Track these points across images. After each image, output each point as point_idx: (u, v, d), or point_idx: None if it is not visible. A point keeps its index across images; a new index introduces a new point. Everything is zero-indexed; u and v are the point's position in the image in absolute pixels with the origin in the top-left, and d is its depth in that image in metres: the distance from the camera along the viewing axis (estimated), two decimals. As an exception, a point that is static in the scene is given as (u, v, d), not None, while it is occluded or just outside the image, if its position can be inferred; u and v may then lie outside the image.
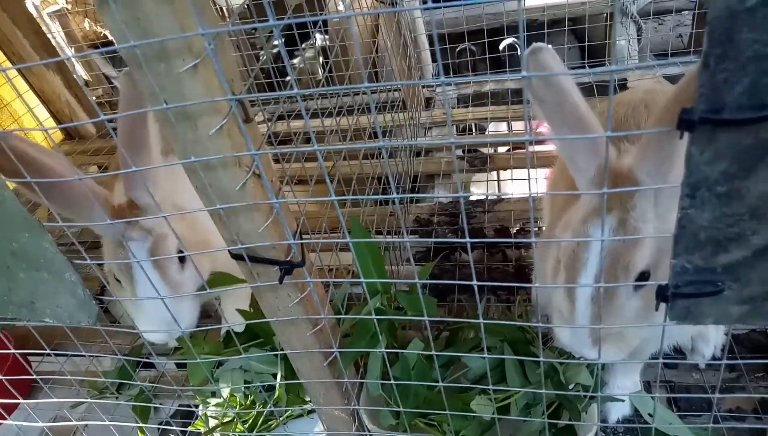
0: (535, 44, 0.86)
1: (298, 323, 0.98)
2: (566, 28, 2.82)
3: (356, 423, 1.20)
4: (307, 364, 1.06)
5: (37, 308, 0.97)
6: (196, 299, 1.34)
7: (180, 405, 1.64)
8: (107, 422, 1.25)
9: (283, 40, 0.99)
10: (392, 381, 1.02)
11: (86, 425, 1.52)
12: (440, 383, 0.98)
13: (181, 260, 1.30)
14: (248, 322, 1.25)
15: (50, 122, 3.01)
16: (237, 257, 0.88)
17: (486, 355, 0.91)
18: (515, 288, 1.68)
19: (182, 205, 1.36)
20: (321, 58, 3.90)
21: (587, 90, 2.39)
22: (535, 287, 1.47)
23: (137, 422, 1.50)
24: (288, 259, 0.87)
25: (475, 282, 0.80)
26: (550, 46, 0.87)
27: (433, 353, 0.92)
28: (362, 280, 0.85)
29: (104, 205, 1.24)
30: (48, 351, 1.12)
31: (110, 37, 3.26)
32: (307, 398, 1.25)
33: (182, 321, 1.21)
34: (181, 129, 0.72)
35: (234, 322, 1.56)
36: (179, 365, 1.78)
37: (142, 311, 1.18)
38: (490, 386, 0.96)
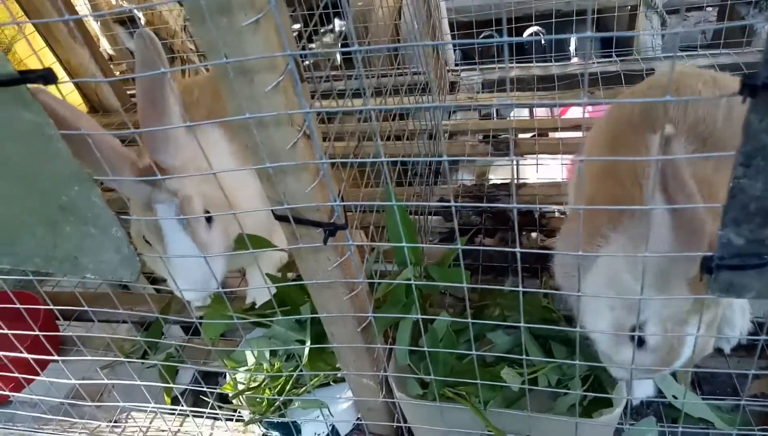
0: (666, 133, 0.72)
1: (335, 286, 0.99)
2: (592, 16, 2.80)
3: (383, 392, 1.22)
4: (341, 329, 1.08)
5: (80, 262, 0.99)
6: (224, 258, 1.36)
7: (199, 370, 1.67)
8: (138, 382, 1.27)
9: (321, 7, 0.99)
10: (425, 348, 1.03)
11: (113, 386, 1.56)
12: (473, 352, 0.99)
13: (208, 220, 1.31)
14: (279, 285, 1.26)
15: (75, 95, 3.05)
16: (280, 218, 0.89)
17: (522, 324, 0.92)
18: (539, 271, 1.68)
19: (206, 167, 1.36)
20: (340, 44, 3.91)
21: (615, 79, 2.38)
22: (557, 273, 1.46)
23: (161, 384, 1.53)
24: (332, 221, 0.88)
25: (518, 249, 0.81)
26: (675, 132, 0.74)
27: (469, 320, 0.93)
28: (403, 244, 0.86)
29: (131, 166, 1.25)
30: (84, 307, 1.14)
31: (135, 13, 3.28)
32: (336, 364, 1.27)
33: (213, 279, 1.23)
34: (238, 85, 0.74)
35: (260, 292, 1.59)
36: (193, 333, 1.81)
37: (175, 271, 1.20)
38: (524, 357, 0.97)
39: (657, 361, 0.95)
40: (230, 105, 0.77)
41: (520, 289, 0.86)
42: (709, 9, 4.75)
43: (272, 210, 0.89)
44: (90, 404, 1.39)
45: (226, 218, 1.34)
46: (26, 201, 0.92)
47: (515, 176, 2.12)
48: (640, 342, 0.95)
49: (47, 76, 0.74)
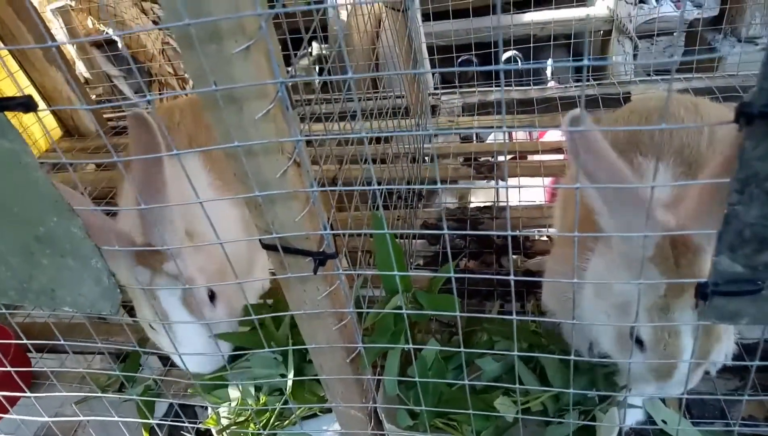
0: (572, 113, 0.75)
1: (324, 317, 0.97)
2: (567, 42, 2.86)
3: (372, 423, 1.19)
4: (329, 361, 1.05)
5: (57, 295, 0.95)
6: (232, 327, 1.35)
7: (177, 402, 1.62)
8: (115, 418, 1.22)
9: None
10: (416, 378, 1.01)
11: (88, 421, 1.49)
12: (465, 381, 0.97)
13: (211, 298, 1.31)
14: (260, 317, 1.23)
15: (50, 118, 2.98)
16: (268, 247, 0.87)
17: (516, 352, 0.90)
18: (524, 295, 1.68)
19: (198, 233, 1.33)
20: (317, 67, 3.92)
21: (592, 102, 2.42)
22: (547, 295, 1.46)
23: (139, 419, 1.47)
24: (321, 250, 0.86)
25: (512, 277, 0.80)
26: (585, 114, 0.75)
27: (461, 349, 0.91)
28: (395, 272, 0.84)
29: (128, 254, 1.18)
30: (59, 341, 1.09)
31: (112, 36, 3.25)
32: (321, 394, 1.24)
33: (224, 351, 1.22)
34: (227, 113, 0.72)
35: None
36: (172, 363, 1.75)
37: (182, 346, 1.17)
38: (517, 385, 0.95)
39: (661, 364, 0.94)
40: (219, 133, 0.75)
41: (514, 317, 0.84)
42: (677, 34, 4.91)
43: (260, 239, 0.87)
44: (63, 441, 1.33)
45: (228, 292, 1.34)
46: (1, 231, 0.88)
47: (497, 199, 2.13)
48: (640, 343, 0.95)
49: (27, 104, 0.71)
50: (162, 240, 1.15)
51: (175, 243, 1.20)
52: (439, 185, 0.71)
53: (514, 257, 1.91)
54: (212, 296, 1.32)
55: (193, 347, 1.20)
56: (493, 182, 2.20)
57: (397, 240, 1.85)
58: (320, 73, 3.81)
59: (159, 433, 1.36)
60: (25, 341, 1.10)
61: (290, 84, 0.74)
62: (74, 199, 0.96)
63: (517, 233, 0.81)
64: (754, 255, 0.70)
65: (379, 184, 1.77)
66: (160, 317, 1.20)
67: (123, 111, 3.28)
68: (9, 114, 0.76)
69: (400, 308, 1.13)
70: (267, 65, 0.69)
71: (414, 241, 1.98)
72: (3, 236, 0.89)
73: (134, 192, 1.13)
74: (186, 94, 3.11)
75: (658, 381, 0.95)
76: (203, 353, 1.21)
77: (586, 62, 0.58)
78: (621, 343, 1.00)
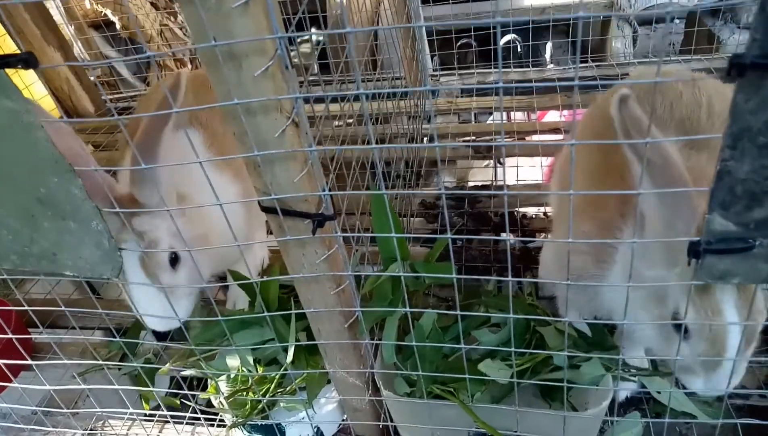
0: (622, 93, 0.78)
1: (322, 281, 0.98)
2: (566, 24, 2.86)
3: (369, 391, 1.21)
4: (327, 326, 1.06)
5: (58, 259, 0.96)
6: (190, 296, 1.33)
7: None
8: (116, 386, 1.24)
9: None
10: (413, 342, 1.02)
11: (89, 392, 1.51)
12: (462, 346, 0.98)
13: (174, 261, 1.28)
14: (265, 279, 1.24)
15: (48, 100, 2.97)
16: (267, 209, 0.88)
17: (510, 315, 0.91)
18: (521, 271, 1.69)
19: (188, 193, 1.34)
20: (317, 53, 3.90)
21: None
22: (542, 273, 1.47)
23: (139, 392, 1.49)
24: (320, 211, 0.87)
25: (508, 237, 0.81)
26: (631, 93, 0.80)
27: (458, 312, 0.92)
28: (393, 235, 0.85)
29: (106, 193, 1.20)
30: (62, 308, 1.10)
31: (110, 17, 3.23)
32: (321, 366, 1.25)
33: (177, 314, 1.20)
34: (226, 70, 0.72)
35: (241, 296, 1.58)
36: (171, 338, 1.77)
37: (138, 306, 1.19)
38: (513, 349, 0.97)
39: (709, 347, 0.92)
40: (219, 91, 0.76)
41: (510, 278, 0.86)
42: (677, 21, 4.89)
43: (259, 202, 0.88)
44: (65, 411, 1.34)
45: (196, 256, 1.28)
46: (2, 194, 0.89)
47: (495, 179, 2.14)
48: (685, 331, 0.93)
49: (28, 60, 0.71)
50: (145, 195, 1.18)
51: (154, 200, 1.20)
52: (436, 144, 0.72)
53: (512, 237, 1.92)
54: (175, 260, 1.30)
55: (146, 304, 1.20)
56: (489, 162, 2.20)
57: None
58: (321, 58, 3.81)
59: (161, 404, 1.37)
60: (27, 308, 1.11)
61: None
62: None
63: (515, 192, 0.81)
64: (746, 212, 0.71)
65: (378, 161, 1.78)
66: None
67: (121, 93, 3.28)
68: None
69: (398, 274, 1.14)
70: (266, 21, 0.70)
71: (412, 219, 1.99)
72: (4, 198, 0.89)
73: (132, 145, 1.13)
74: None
75: (707, 372, 0.94)
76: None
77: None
78: (664, 334, 0.98)
